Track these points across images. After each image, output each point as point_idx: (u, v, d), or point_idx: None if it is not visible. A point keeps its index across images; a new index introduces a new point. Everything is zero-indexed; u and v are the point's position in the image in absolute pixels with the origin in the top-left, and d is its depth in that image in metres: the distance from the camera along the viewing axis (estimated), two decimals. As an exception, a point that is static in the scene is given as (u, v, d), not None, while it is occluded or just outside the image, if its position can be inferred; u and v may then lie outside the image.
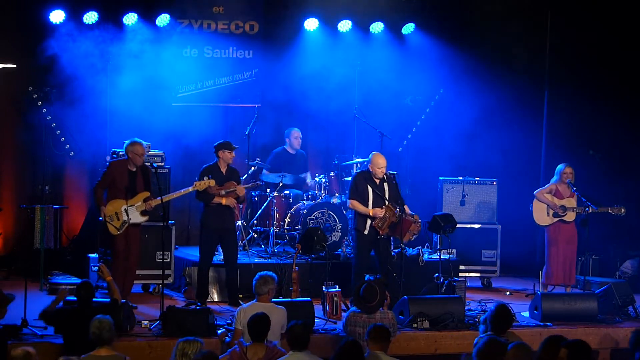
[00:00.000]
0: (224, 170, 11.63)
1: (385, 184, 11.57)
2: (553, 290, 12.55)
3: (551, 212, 12.51)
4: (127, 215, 10.94)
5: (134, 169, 11.08)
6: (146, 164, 11.27)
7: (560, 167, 12.63)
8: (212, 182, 11.30)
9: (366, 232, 11.57)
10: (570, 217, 12.50)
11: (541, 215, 12.54)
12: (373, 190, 11.54)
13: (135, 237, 11.08)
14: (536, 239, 14.24)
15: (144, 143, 11.26)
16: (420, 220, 11.64)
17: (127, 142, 11.20)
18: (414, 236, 11.74)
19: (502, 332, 8.34)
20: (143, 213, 11.03)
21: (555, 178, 12.61)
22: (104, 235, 11.64)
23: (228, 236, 11.65)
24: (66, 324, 8.98)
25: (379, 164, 11.52)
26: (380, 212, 11.41)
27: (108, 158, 12.83)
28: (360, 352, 7.31)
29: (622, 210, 12.41)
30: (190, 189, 11.26)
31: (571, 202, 12.50)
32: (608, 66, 14.63)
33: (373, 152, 11.73)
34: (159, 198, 10.78)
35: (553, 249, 12.53)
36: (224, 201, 11.45)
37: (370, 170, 11.59)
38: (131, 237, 11.03)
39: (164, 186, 11.74)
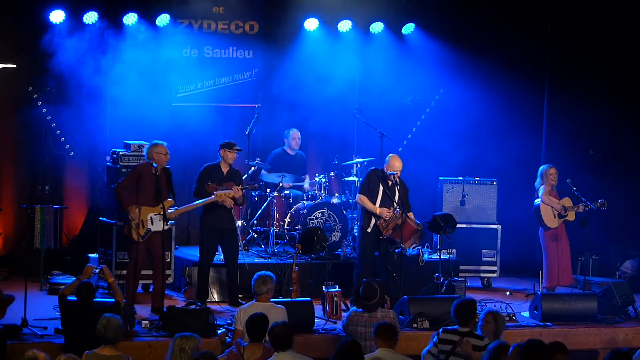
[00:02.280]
0: (225, 170, 11.63)
1: (397, 187, 11.61)
2: (555, 290, 12.56)
3: (556, 213, 12.51)
4: (152, 223, 10.90)
5: (158, 173, 11.01)
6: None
7: (543, 168, 12.64)
8: (231, 194, 11.31)
9: (369, 230, 11.61)
10: (571, 216, 12.53)
11: (550, 218, 12.51)
12: (383, 190, 11.59)
13: (157, 240, 10.96)
14: (536, 239, 14.23)
15: (165, 143, 11.22)
16: (423, 230, 11.69)
17: (147, 145, 11.16)
18: (415, 245, 11.80)
19: (466, 324, 8.44)
20: (167, 221, 10.99)
21: (540, 180, 12.61)
22: (104, 237, 11.66)
23: (228, 236, 11.65)
24: (70, 320, 8.99)
25: (395, 167, 11.57)
26: (386, 213, 11.44)
27: (108, 158, 12.83)
28: (359, 352, 7.32)
29: (605, 203, 12.46)
30: (214, 197, 11.25)
31: (568, 202, 12.53)
32: (608, 66, 14.63)
33: (390, 154, 11.80)
34: (181, 207, 10.92)
35: (556, 249, 12.53)
36: (217, 197, 11.38)
37: (385, 170, 11.62)
38: (153, 242, 10.95)
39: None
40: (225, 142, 11.70)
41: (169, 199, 11.00)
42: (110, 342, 7.75)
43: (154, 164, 10.94)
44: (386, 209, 11.50)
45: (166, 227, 11.00)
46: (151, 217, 10.88)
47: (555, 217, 12.51)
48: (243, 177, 12.40)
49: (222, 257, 11.87)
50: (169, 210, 10.90)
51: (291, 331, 7.88)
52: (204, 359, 7.13)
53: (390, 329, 8.11)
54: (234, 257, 11.71)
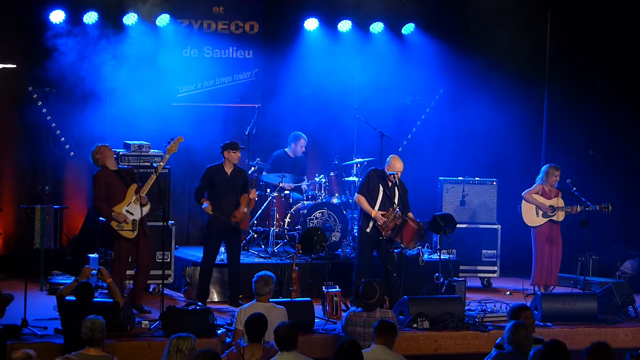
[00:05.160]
0: (229, 171, 11.63)
1: (396, 188, 11.62)
2: (552, 289, 12.58)
3: (540, 212, 12.54)
4: (131, 214, 10.92)
5: (116, 168, 11.11)
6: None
7: (546, 166, 12.68)
8: (179, 142, 11.24)
9: (368, 230, 11.62)
10: (560, 216, 12.55)
11: (531, 216, 12.58)
12: (383, 191, 11.59)
13: (144, 240, 11.06)
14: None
15: (106, 144, 11.24)
16: (425, 229, 11.70)
17: (91, 152, 11.16)
18: (418, 243, 11.83)
19: None
20: (143, 204, 11.02)
21: (541, 177, 12.64)
22: (104, 237, 11.68)
23: (232, 236, 11.65)
24: (69, 321, 8.99)
25: (396, 167, 11.58)
26: (381, 219, 11.44)
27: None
28: (359, 352, 7.32)
29: (610, 207, 12.47)
30: (163, 162, 11.25)
31: (559, 202, 12.54)
32: (608, 66, 14.63)
33: (392, 155, 11.82)
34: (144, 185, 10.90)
35: (544, 249, 12.56)
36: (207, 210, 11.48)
37: (386, 171, 11.63)
38: (141, 241, 11.02)
39: (164, 187, 11.75)
40: (228, 143, 11.69)
41: (132, 185, 11.04)
42: (97, 344, 7.73)
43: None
44: (381, 213, 11.49)
45: (146, 210, 10.96)
46: (127, 210, 10.91)
47: (538, 216, 12.53)
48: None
49: (221, 257, 11.89)
50: (135, 196, 10.95)
51: (297, 332, 7.88)
52: (207, 356, 7.12)
53: (390, 328, 8.12)
54: (237, 258, 11.71)
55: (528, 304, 11.55)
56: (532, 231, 12.69)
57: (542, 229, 12.60)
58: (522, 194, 12.63)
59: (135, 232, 10.93)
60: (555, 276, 12.69)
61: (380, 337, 8.04)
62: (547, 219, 12.55)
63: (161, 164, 11.23)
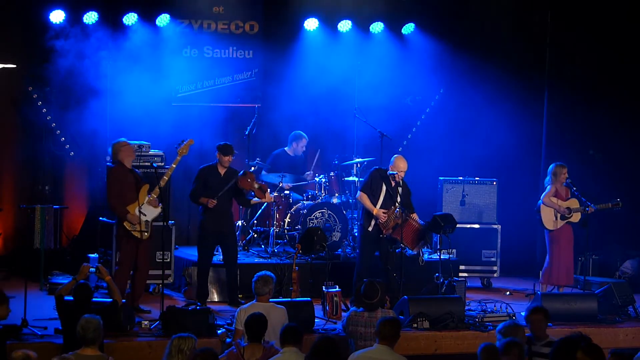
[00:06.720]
0: (222, 171, 11.62)
1: (399, 188, 11.64)
2: (553, 290, 12.57)
3: (559, 215, 12.48)
4: (144, 214, 10.92)
5: (131, 168, 11.14)
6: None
7: (553, 166, 12.61)
8: (189, 144, 11.33)
9: (370, 229, 11.64)
10: (575, 218, 12.49)
11: (550, 219, 12.48)
12: (386, 190, 11.62)
13: (145, 241, 11.06)
14: (536, 239, 14.25)
15: (132, 143, 11.25)
16: (431, 235, 11.74)
17: (114, 144, 11.18)
18: (424, 246, 11.84)
19: None
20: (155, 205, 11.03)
21: (549, 179, 12.57)
22: (105, 237, 11.66)
23: (227, 239, 11.65)
24: (68, 321, 8.99)
25: (399, 167, 11.61)
26: (383, 217, 11.46)
27: (108, 158, 12.81)
28: (334, 350, 7.32)
29: (620, 203, 12.45)
30: (175, 164, 11.26)
31: (574, 203, 12.49)
32: (608, 66, 14.63)
33: (396, 155, 11.86)
34: (158, 187, 10.94)
35: (557, 250, 12.51)
36: (210, 204, 11.44)
37: (390, 170, 11.66)
38: (142, 243, 11.02)
39: (164, 187, 11.73)
40: (222, 146, 11.64)
41: (144, 186, 11.06)
42: (91, 343, 7.70)
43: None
44: (383, 211, 11.52)
45: (158, 211, 11.00)
46: (139, 210, 10.91)
47: (556, 219, 12.47)
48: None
49: (221, 257, 11.89)
50: (147, 196, 10.97)
51: (302, 332, 7.92)
52: (205, 355, 7.12)
53: (392, 327, 8.09)
54: (234, 259, 11.71)
55: (528, 303, 11.59)
56: (546, 233, 12.59)
57: (562, 231, 12.49)
58: (541, 197, 12.51)
59: (148, 234, 10.92)
60: (572, 276, 12.63)
61: (383, 337, 8.02)
62: (565, 222, 12.48)
63: (173, 165, 11.26)
